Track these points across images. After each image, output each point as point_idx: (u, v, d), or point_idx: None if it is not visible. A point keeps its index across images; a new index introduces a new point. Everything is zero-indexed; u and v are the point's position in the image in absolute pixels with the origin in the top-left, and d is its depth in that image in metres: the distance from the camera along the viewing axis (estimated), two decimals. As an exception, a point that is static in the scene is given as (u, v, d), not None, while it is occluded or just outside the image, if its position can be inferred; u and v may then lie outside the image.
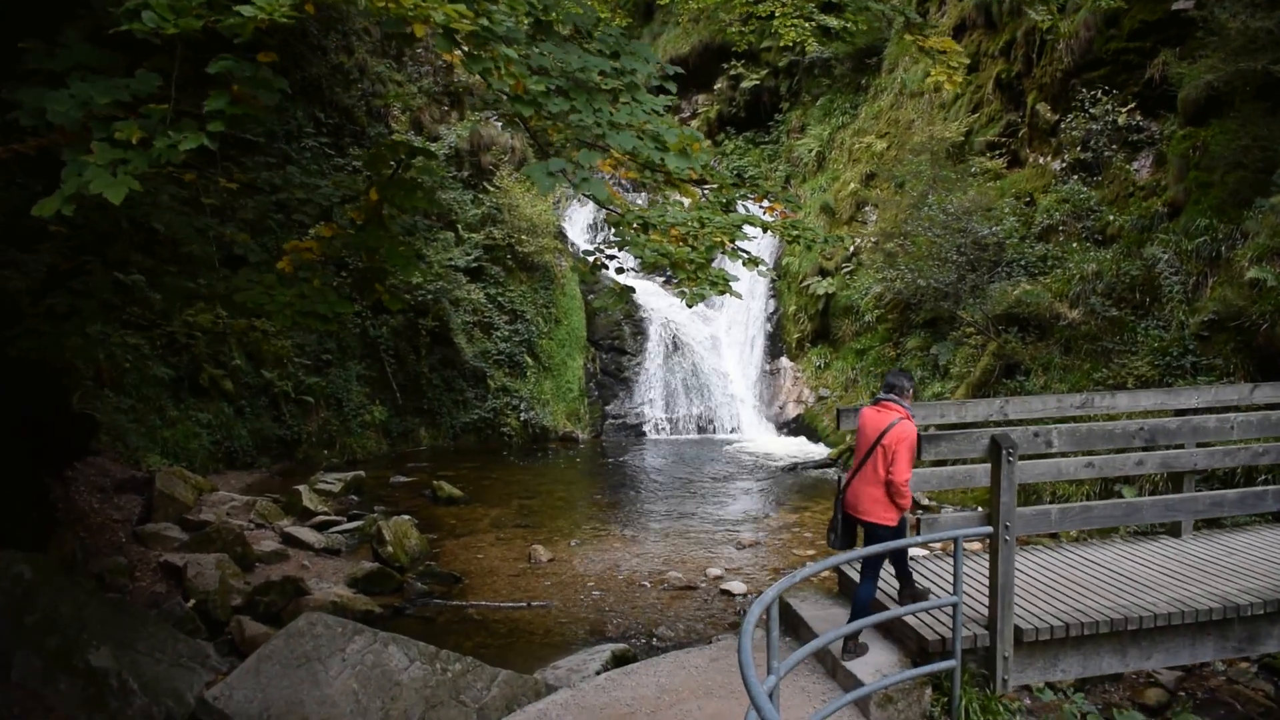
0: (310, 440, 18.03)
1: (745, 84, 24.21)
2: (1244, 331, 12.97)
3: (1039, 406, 8.20)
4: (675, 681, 7.08)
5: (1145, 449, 8.29)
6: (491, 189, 20.92)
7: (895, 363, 18.28)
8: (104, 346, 15.18)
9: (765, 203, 7.69)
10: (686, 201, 7.64)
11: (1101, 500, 7.11)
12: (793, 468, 17.33)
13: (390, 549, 12.38)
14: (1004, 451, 6.41)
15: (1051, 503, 10.70)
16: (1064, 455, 7.53)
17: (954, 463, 7.80)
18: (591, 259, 7.71)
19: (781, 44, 21.81)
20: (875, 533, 6.87)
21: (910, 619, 6.79)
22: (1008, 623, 6.58)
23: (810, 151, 23.11)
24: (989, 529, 6.48)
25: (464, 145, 21.19)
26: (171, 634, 7.83)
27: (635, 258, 6.71)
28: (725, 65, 25.38)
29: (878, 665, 6.67)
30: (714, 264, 7.01)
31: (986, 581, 7.22)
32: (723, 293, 6.71)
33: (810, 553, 12.79)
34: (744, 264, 7.01)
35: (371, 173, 7.78)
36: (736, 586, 11.49)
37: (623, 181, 8.08)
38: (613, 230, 7.04)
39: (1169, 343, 13.66)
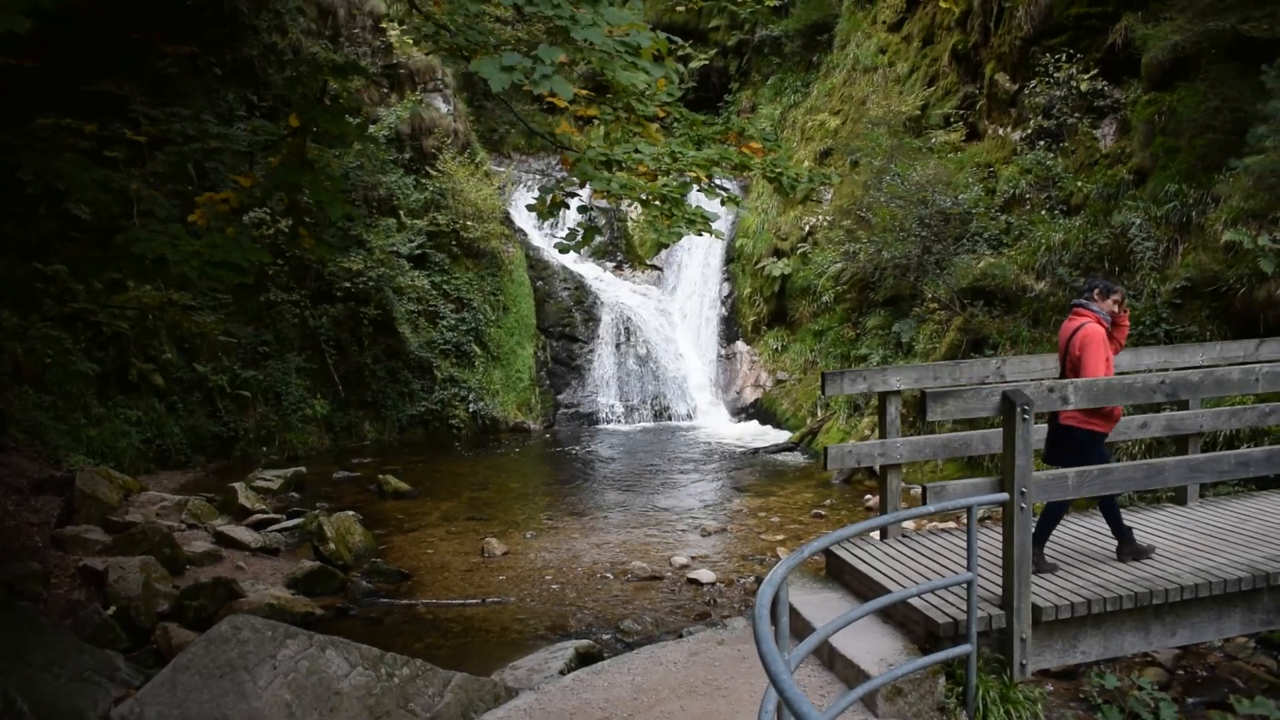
0: (248, 437, 16.91)
1: (693, 64, 23.38)
2: (1220, 296, 12.37)
3: (1038, 366, 7.45)
4: (652, 680, 6.20)
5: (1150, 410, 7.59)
6: (435, 173, 19.90)
7: (855, 343, 17.54)
8: (22, 339, 14.07)
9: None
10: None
11: (1119, 463, 6.38)
12: (754, 452, 16.53)
13: (332, 546, 11.37)
14: (1018, 409, 5.61)
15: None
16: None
17: (953, 427, 7.01)
18: (549, 197, 6.75)
19: (745, 13, 21.06)
20: (1074, 437, 6.53)
21: (917, 601, 5.96)
22: (1025, 601, 5.78)
23: (761, 131, 22.31)
24: (1004, 496, 5.67)
25: (405, 128, 20.16)
26: (75, 645, 6.80)
27: (599, 193, 5.83)
28: (672, 46, 24.52)
29: (881, 654, 5.83)
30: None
31: (996, 556, 6.44)
32: (700, 231, 5.87)
33: (780, 537, 11.97)
34: (722, 203, 6.13)
35: (291, 97, 6.80)
36: (704, 575, 10.64)
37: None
38: (568, 175, 6.15)
39: (1141, 311, 13.02)
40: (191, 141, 6.62)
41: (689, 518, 13.05)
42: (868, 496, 13.47)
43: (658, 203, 5.77)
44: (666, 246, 21.88)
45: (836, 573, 7.04)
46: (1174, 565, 6.45)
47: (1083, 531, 7.41)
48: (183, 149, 6.65)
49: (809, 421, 17.16)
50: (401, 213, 19.47)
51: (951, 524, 11.21)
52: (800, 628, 6.39)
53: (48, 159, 6.30)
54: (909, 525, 9.14)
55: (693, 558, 11.32)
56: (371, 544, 11.96)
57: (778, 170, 6.66)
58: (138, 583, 9.76)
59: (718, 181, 6.48)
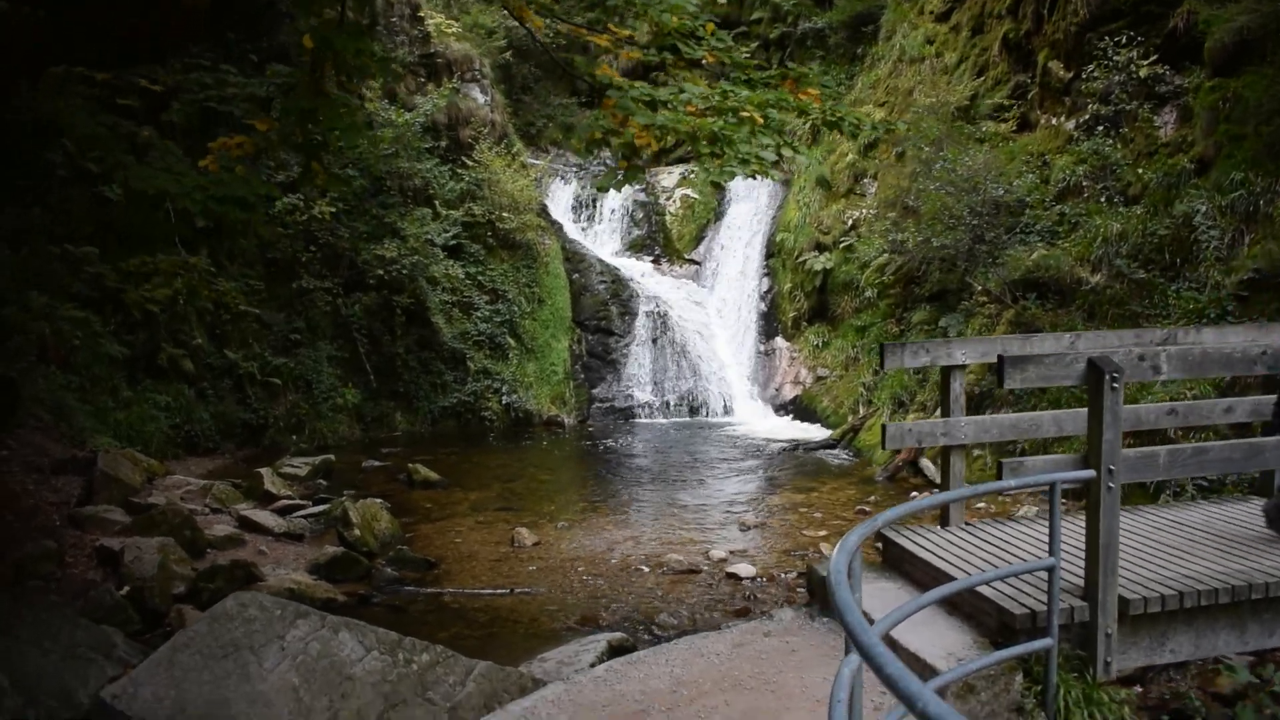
0: (277, 424, 16.44)
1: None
2: (1292, 288, 11.64)
3: (1114, 342, 6.79)
4: (693, 672, 5.59)
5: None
6: (471, 163, 19.41)
7: (899, 338, 16.84)
8: (50, 320, 13.68)
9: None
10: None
11: (1217, 442, 5.74)
12: (794, 448, 15.87)
13: (357, 532, 10.84)
14: (1106, 376, 4.97)
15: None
16: (1143, 403, 6.17)
17: (1028, 404, 6.36)
18: (587, 135, 6.13)
19: (788, 5, 20.46)
20: None
21: (987, 589, 5.32)
22: (1111, 592, 5.13)
23: (804, 124, 21.67)
24: (1090, 473, 5.03)
25: (441, 118, 19.68)
26: (70, 620, 6.28)
27: (642, 136, 5.23)
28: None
29: (948, 647, 5.20)
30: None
31: (1071, 545, 5.79)
32: (754, 173, 5.26)
33: (822, 533, 11.32)
34: (779, 149, 5.53)
35: (302, 18, 6.25)
36: (744, 569, 10.02)
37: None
38: (601, 122, 5.56)
39: (1204, 304, 12.28)
40: (208, 89, 6.10)
41: (727, 512, 12.42)
42: (913, 494, 12.80)
43: (706, 143, 5.18)
44: (703, 240, 21.31)
45: (895, 562, 6.40)
46: (1271, 558, 5.77)
47: (1164, 521, 6.73)
48: (199, 97, 6.13)
49: (850, 419, 16.48)
50: (437, 202, 18.99)
51: (1021, 509, 10.55)
52: (855, 618, 5.78)
53: (52, 103, 5.80)
54: (965, 515, 8.45)
55: (731, 552, 10.70)
56: (398, 531, 11.42)
57: (838, 115, 6.05)
58: (154, 564, 9.29)
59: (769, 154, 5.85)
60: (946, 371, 6.58)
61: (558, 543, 11.13)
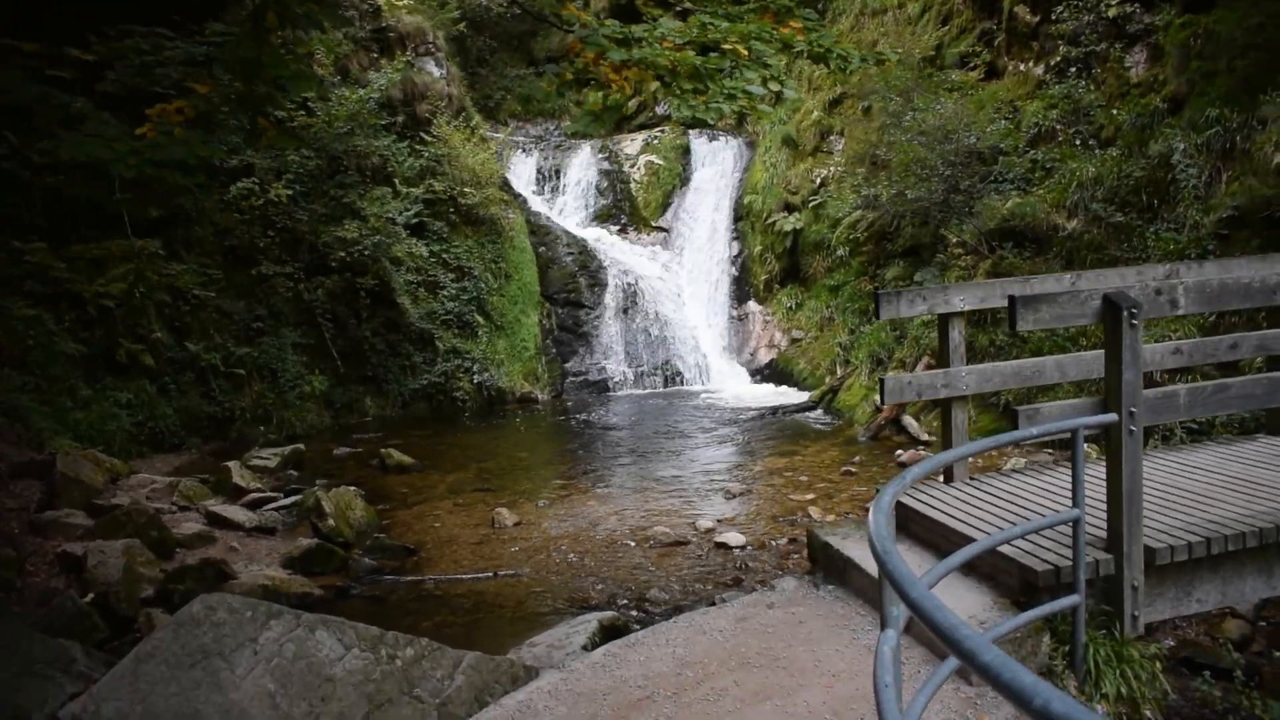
0: (244, 416, 15.89)
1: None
2: (1273, 224, 11.38)
3: (1116, 280, 6.44)
4: (696, 652, 5.22)
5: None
6: (430, 139, 18.85)
7: (872, 297, 16.52)
8: (2, 320, 13.10)
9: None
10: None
11: (1236, 377, 5.43)
12: (773, 412, 15.53)
13: (332, 522, 10.40)
14: (1124, 313, 4.61)
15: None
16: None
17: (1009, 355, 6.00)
18: (557, 78, 5.65)
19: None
20: None
21: (1007, 548, 4.97)
22: (1136, 542, 4.80)
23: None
24: (1111, 417, 4.68)
25: (396, 93, 19.07)
26: (24, 634, 5.80)
27: (616, 79, 4.80)
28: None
29: (968, 610, 4.85)
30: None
31: (1092, 492, 5.45)
32: (741, 110, 4.84)
33: (810, 496, 10.99)
34: (764, 83, 5.10)
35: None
36: (733, 538, 9.66)
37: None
38: (572, 63, 5.11)
39: (1184, 245, 12.03)
40: (144, 55, 5.60)
41: (711, 481, 12.07)
42: (899, 452, 12.49)
43: (687, 79, 4.76)
44: (670, 206, 20.86)
45: (901, 522, 6.04)
46: (1296, 498, 5.47)
47: (1174, 466, 6.41)
48: (135, 64, 5.63)
49: (828, 380, 16.16)
50: (396, 180, 18.42)
51: (1009, 461, 10.26)
52: (865, 586, 5.41)
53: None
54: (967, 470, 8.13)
55: (719, 521, 10.34)
56: (374, 519, 10.99)
57: (824, 47, 5.63)
58: (119, 567, 8.81)
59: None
60: (945, 319, 6.21)
61: (539, 521, 10.74)
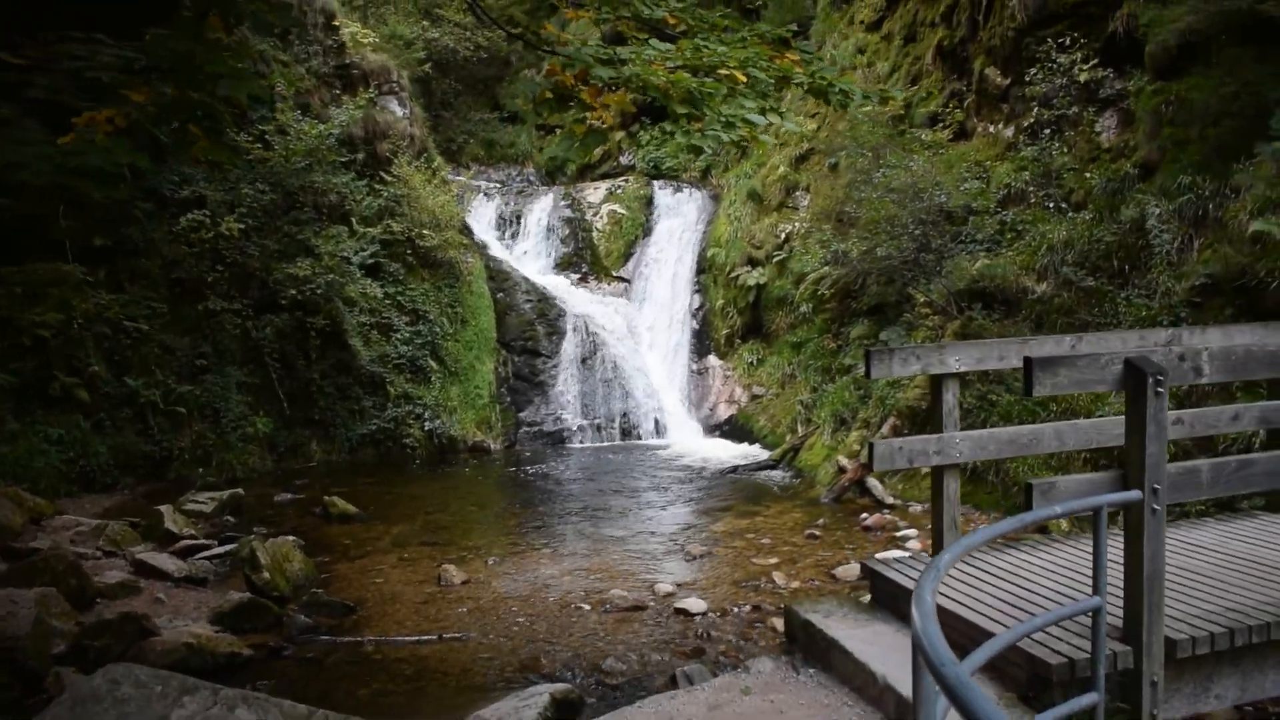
0: (183, 457, 15.08)
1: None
2: (1247, 292, 11.09)
3: (1117, 344, 6.00)
4: (665, 743, 4.63)
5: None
6: (389, 179, 18.29)
7: (837, 355, 16.11)
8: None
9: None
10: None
11: (1263, 452, 5.00)
12: (733, 471, 14.98)
13: (266, 575, 9.65)
14: (1149, 379, 4.14)
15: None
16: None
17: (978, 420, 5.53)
18: (536, 95, 5.07)
19: (713, 18, 19.77)
20: None
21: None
22: (1157, 633, 4.29)
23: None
24: (1135, 494, 4.19)
25: (358, 131, 18.53)
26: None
27: (604, 100, 4.30)
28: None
29: (971, 707, 4.32)
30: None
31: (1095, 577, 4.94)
32: (740, 139, 4.34)
33: (773, 560, 10.42)
34: (763, 112, 4.60)
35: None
36: (694, 604, 9.06)
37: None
38: (548, 96, 4.60)
39: (1157, 311, 11.73)
40: (77, 60, 5.01)
41: (669, 541, 11.47)
42: (864, 516, 11.98)
43: (681, 104, 4.26)
44: (631, 256, 20.41)
45: (887, 599, 5.49)
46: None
47: (1176, 545, 5.94)
48: (66, 69, 5.04)
49: (789, 438, 15.67)
50: (354, 219, 17.82)
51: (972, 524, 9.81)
52: (852, 672, 4.85)
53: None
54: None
55: (679, 585, 9.74)
56: (313, 572, 10.27)
57: (826, 81, 5.17)
58: (29, 619, 8.01)
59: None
60: (938, 380, 5.71)
61: (489, 580, 10.07)
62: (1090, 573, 5.12)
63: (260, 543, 10.07)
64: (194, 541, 11.38)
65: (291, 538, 11.06)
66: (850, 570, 9.87)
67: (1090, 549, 5.47)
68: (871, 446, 5.50)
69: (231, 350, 16.12)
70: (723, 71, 4.42)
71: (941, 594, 5.21)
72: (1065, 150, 13.71)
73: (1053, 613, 3.86)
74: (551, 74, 4.61)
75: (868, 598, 5.97)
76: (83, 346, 14.61)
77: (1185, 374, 4.46)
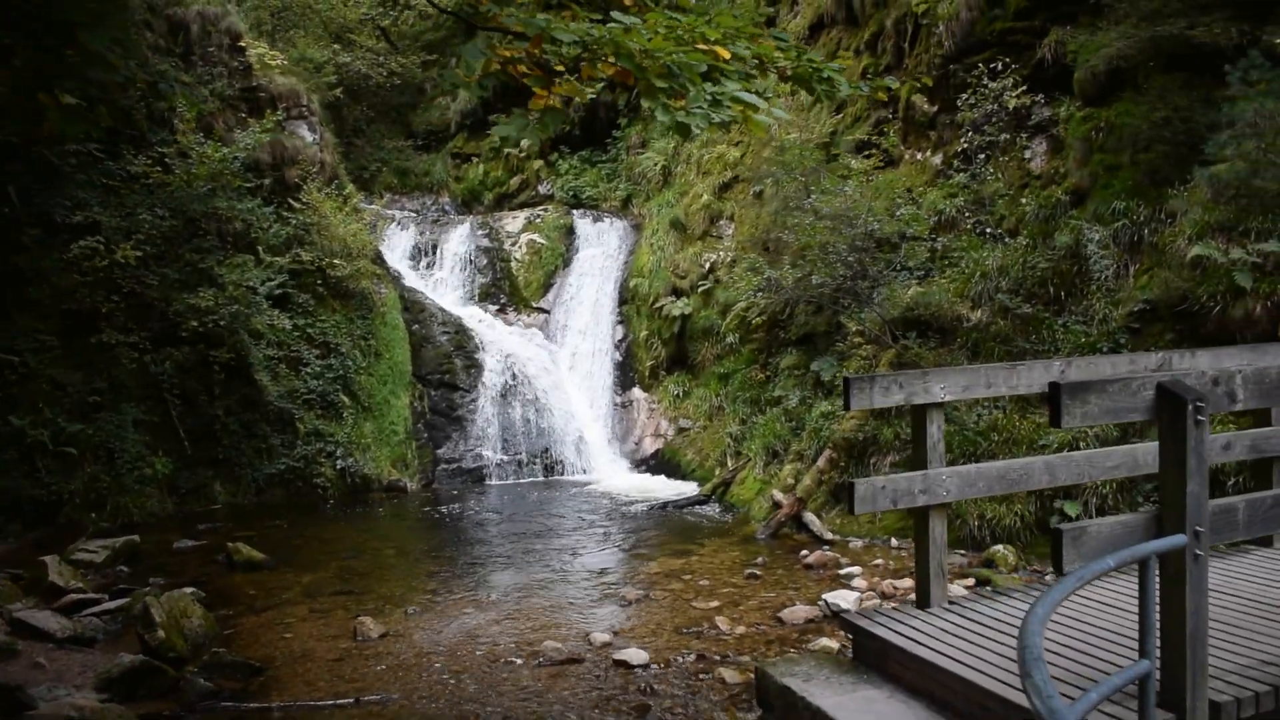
0: (74, 501, 13.82)
1: (578, 100, 21.43)
2: (1189, 317, 10.85)
3: (1108, 369, 5.47)
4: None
5: None
6: (298, 206, 17.31)
7: (766, 386, 15.55)
8: None
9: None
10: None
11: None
12: (662, 507, 14.27)
13: (161, 634, 8.62)
14: (1189, 406, 3.56)
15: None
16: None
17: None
18: (478, 66, 4.27)
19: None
20: None
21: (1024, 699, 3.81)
22: (1202, 697, 3.69)
23: (655, 166, 20.36)
24: (1180, 539, 3.59)
25: (265, 156, 17.51)
26: None
27: (580, 75, 3.59)
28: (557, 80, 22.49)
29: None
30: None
31: (1102, 624, 4.34)
32: (728, 121, 3.67)
33: (715, 603, 9.71)
34: (747, 91, 3.93)
35: None
36: (634, 655, 8.29)
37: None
38: (495, 68, 3.86)
39: (1095, 338, 11.44)
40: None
41: (602, 584, 10.68)
42: (804, 552, 11.36)
43: (660, 78, 3.59)
44: (551, 287, 19.66)
45: (875, 659, 4.81)
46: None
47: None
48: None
49: (719, 472, 15.03)
50: (260, 248, 16.77)
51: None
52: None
53: None
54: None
55: (616, 633, 8.96)
56: (214, 629, 9.24)
57: (814, 66, 4.53)
58: (-121, 695, 6.97)
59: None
60: (921, 411, 5.10)
61: (409, 633, 9.17)
62: (1089, 624, 4.55)
63: (155, 597, 9.04)
64: (82, 596, 10.26)
65: (191, 589, 10.06)
66: (796, 612, 9.23)
67: (1081, 597, 4.91)
68: (851, 486, 4.85)
69: (128, 386, 14.94)
70: (702, 46, 3.78)
71: (936, 649, 4.57)
72: (997, 177, 13.41)
73: (1104, 685, 3.21)
74: (500, 59, 3.90)
75: (846, 651, 5.30)
76: (-40, 384, 13.38)
77: (1220, 400, 3.89)
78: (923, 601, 5.26)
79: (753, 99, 3.84)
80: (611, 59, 3.68)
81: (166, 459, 14.91)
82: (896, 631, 4.82)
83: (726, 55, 3.81)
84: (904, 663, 4.62)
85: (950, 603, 5.27)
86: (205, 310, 14.92)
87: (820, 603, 9.44)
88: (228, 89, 17.68)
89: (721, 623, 9.08)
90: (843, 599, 9.42)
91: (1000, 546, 10.56)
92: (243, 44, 17.96)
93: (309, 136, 18.48)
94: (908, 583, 10.03)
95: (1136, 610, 4.82)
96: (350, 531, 13.69)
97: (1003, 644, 4.56)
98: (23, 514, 13.40)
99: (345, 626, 9.31)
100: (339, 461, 16.12)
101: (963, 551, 10.96)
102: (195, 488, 15.29)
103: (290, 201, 17.35)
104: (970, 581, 10.04)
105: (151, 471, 14.68)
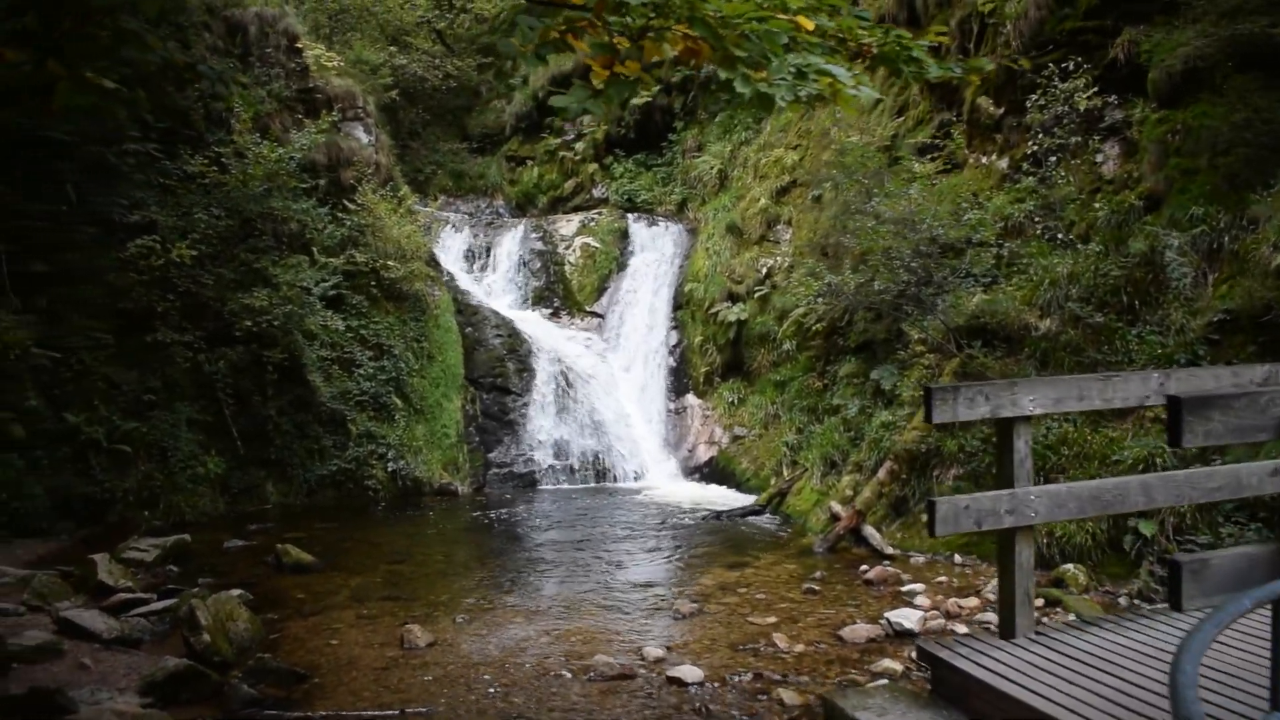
0: (127, 499, 13.75)
1: (635, 101, 21.08)
2: (1273, 328, 10.26)
3: (1210, 383, 5.03)
4: None
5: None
6: (353, 206, 17.18)
7: (824, 394, 15.13)
8: None
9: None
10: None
11: None
12: (716, 517, 13.89)
13: (206, 637, 8.43)
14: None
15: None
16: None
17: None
18: (536, 35, 3.94)
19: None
20: None
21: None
22: (1336, 757, 3.27)
23: (711, 170, 20.00)
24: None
25: (320, 158, 17.41)
26: None
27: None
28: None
29: None
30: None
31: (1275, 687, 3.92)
32: (816, 97, 3.32)
33: (771, 619, 9.32)
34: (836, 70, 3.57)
35: None
36: (688, 672, 7.93)
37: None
38: (554, 36, 3.55)
39: (1172, 349, 10.87)
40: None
41: (655, 596, 10.33)
42: (863, 567, 10.94)
43: (737, 47, 3.26)
44: (605, 291, 19.37)
45: (956, 694, 4.42)
46: None
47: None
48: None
49: (774, 481, 14.63)
50: (315, 249, 16.65)
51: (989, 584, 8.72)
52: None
53: None
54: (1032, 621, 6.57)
55: (669, 648, 8.62)
56: (260, 633, 9.04)
57: (900, 45, 4.17)
58: (-78, 695, 6.80)
59: None
60: (1007, 425, 4.70)
61: (457, 642, 8.89)
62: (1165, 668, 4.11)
63: (201, 600, 8.85)
64: (131, 595, 10.10)
65: (238, 591, 9.88)
66: (857, 631, 8.82)
67: (1169, 631, 4.48)
68: (932, 505, 4.47)
69: (182, 385, 14.86)
70: (782, 16, 3.44)
71: (1023, 685, 4.17)
72: (1068, 181, 12.88)
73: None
74: (559, 28, 3.59)
75: (911, 674, 4.91)
76: (17, 380, 13.33)
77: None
78: (1007, 631, 4.84)
79: (841, 72, 3.51)
80: (683, 28, 3.36)
81: (219, 458, 14.81)
82: (980, 665, 4.42)
83: (810, 26, 3.48)
84: (990, 700, 4.22)
85: (1036, 633, 4.87)
86: (259, 310, 14.80)
87: (882, 621, 9.02)
88: (284, 90, 17.59)
89: (779, 640, 8.70)
90: (905, 618, 9.00)
91: (1070, 566, 10.03)
92: (300, 45, 17.88)
93: (364, 138, 18.36)
94: (973, 602, 9.60)
95: (1240, 646, 4.39)
96: (400, 535, 13.48)
97: (1102, 683, 4.14)
98: (74, 512, 13.34)
99: (392, 633, 9.06)
100: (390, 464, 15.94)
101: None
102: (247, 488, 15.18)
103: (345, 203, 17.22)
104: (1040, 602, 9.58)
105: (204, 470, 14.59)
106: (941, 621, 9.08)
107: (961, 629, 8.88)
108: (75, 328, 14.16)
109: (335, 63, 18.39)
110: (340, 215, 17.11)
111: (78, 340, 14.08)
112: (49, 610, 9.51)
